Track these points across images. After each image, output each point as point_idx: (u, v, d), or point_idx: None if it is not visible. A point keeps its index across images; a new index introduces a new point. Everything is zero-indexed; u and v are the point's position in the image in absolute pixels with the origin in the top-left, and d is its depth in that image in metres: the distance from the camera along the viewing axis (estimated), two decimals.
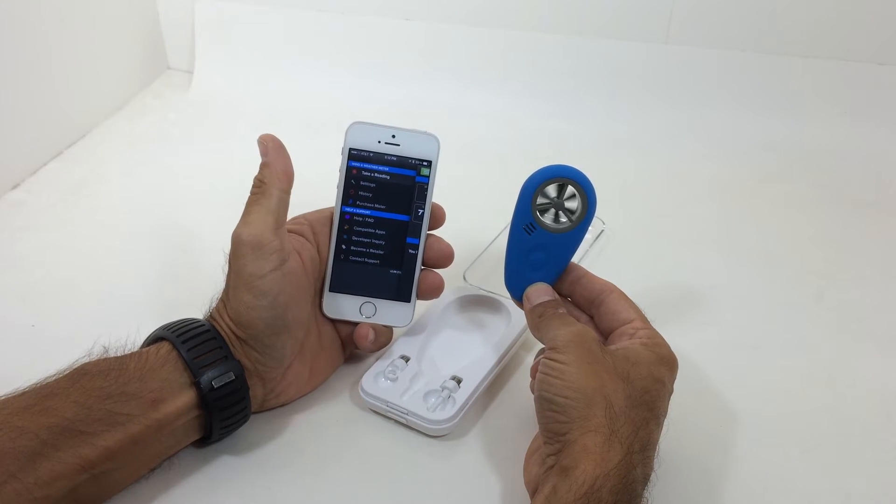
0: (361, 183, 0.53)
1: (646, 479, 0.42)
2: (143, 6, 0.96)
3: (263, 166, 0.50)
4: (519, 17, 0.91)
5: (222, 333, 0.48)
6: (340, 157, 0.53)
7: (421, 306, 0.56)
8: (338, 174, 0.53)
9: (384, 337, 0.54)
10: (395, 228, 0.53)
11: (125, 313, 0.61)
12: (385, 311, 0.54)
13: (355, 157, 0.53)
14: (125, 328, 0.51)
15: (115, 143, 0.86)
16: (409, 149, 0.53)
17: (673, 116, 0.90)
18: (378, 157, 0.53)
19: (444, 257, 0.54)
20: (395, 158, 0.53)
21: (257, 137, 0.50)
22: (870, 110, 0.88)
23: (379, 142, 0.53)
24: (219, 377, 0.46)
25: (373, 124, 0.53)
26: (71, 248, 0.69)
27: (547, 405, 0.43)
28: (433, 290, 0.54)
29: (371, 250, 0.53)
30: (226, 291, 0.49)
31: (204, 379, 0.46)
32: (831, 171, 0.83)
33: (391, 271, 0.54)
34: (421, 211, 0.53)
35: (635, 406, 0.42)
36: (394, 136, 0.53)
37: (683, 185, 0.81)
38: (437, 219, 0.54)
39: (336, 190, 0.53)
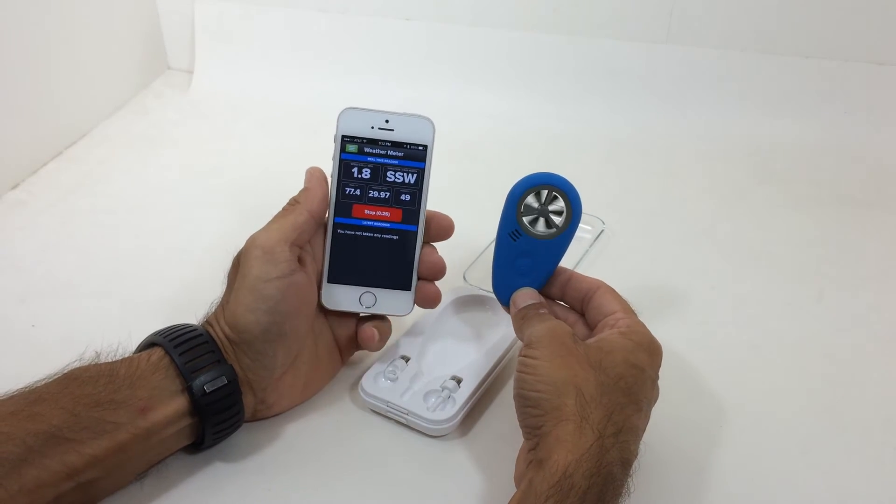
0: (355, 170, 0.52)
1: (625, 463, 0.42)
2: (143, 6, 0.96)
3: (303, 191, 0.51)
4: (519, 17, 0.91)
5: (216, 338, 0.48)
6: (333, 144, 0.51)
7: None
8: (331, 162, 0.52)
9: (386, 333, 0.54)
10: (392, 215, 0.52)
11: (125, 314, 0.61)
12: (385, 301, 0.53)
13: (348, 144, 0.51)
14: (125, 329, 0.51)
15: (115, 143, 0.86)
16: (403, 133, 0.51)
17: (673, 116, 0.90)
18: (372, 143, 0.51)
19: (437, 270, 0.53)
20: (389, 143, 0.51)
21: (306, 169, 0.52)
22: (870, 110, 0.88)
23: (372, 127, 0.51)
24: (211, 381, 0.46)
25: (365, 109, 0.51)
26: (71, 248, 0.69)
27: (522, 402, 0.44)
28: (430, 301, 0.54)
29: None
30: (226, 294, 0.49)
31: (196, 384, 0.45)
32: (831, 171, 0.83)
33: (390, 259, 0.53)
34: (418, 196, 0.52)
35: (608, 392, 0.43)
36: (387, 121, 0.51)
37: (683, 184, 0.81)
38: (446, 230, 0.53)
39: (330, 178, 0.52)
